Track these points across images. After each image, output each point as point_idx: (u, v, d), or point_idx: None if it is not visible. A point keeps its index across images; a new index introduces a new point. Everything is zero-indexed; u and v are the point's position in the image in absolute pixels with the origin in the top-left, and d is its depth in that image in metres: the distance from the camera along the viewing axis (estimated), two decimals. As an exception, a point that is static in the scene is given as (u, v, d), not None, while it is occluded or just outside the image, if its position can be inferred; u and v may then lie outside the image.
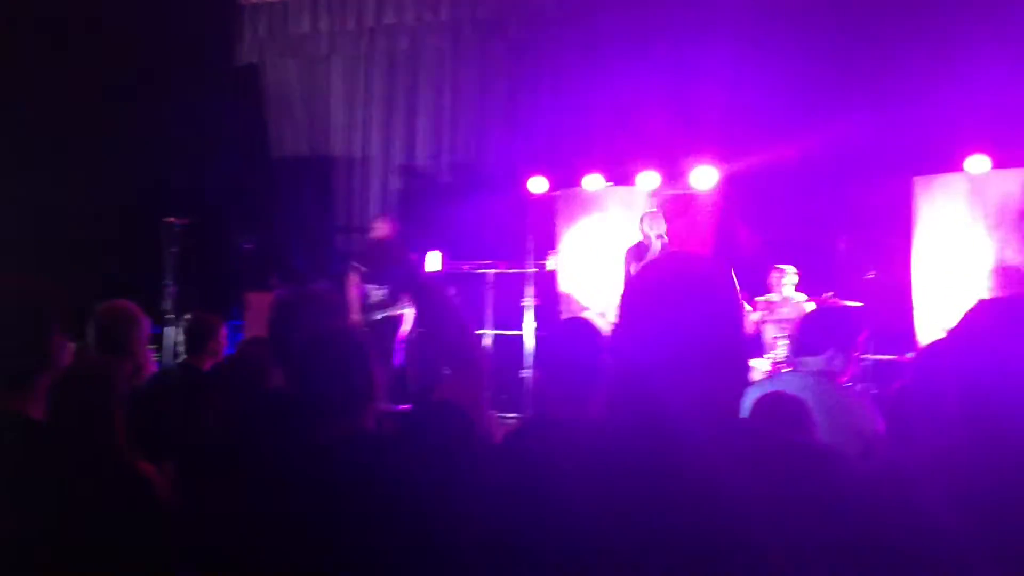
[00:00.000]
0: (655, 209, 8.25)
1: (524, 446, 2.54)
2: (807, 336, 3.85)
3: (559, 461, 1.61)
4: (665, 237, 7.90)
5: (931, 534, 1.70)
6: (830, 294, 7.78)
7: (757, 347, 8.20)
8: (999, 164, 7.73)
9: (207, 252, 9.00)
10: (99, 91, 9.54)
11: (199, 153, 9.91)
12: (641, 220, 8.01)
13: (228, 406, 2.88)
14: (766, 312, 8.11)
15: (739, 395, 1.65)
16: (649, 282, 1.66)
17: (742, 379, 1.67)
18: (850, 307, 7.12)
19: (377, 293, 7.80)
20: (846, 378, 3.80)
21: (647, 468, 1.50)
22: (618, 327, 1.68)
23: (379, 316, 7.68)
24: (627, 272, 7.79)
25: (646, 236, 7.88)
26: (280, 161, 11.02)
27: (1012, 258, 7.48)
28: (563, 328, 3.62)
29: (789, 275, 8.10)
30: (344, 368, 2.26)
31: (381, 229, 8.02)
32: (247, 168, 10.69)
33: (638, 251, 7.82)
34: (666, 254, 1.58)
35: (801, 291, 8.15)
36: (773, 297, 8.17)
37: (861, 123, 8.17)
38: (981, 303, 1.91)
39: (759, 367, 7.55)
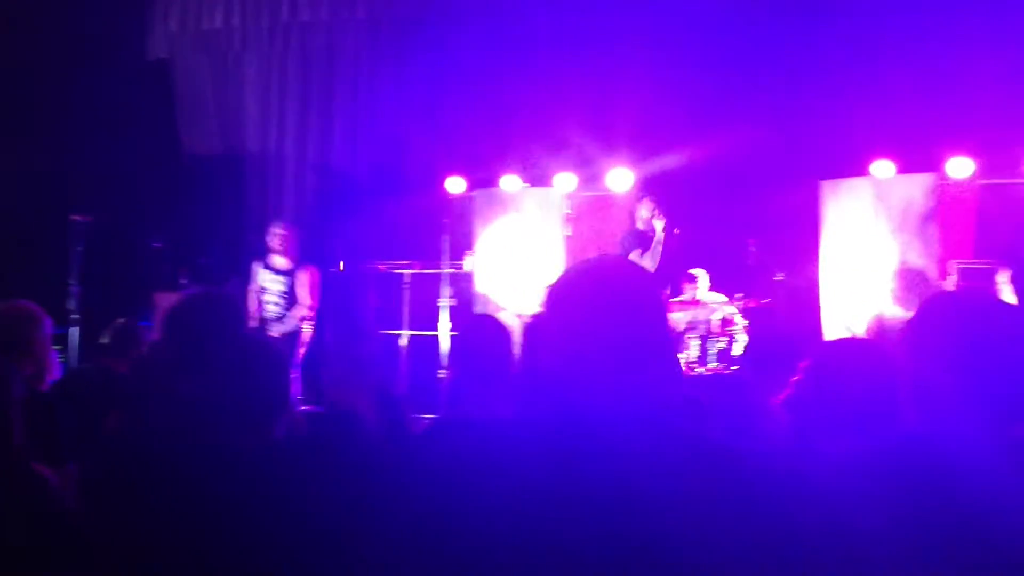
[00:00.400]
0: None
1: (431, 447, 2.52)
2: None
3: (467, 461, 1.59)
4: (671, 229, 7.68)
5: (844, 533, 1.73)
6: (740, 295, 7.93)
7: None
8: (903, 169, 7.98)
9: (114, 250, 8.75)
10: (2, 82, 9.20)
11: (107, 148, 9.63)
12: (638, 206, 7.84)
13: (137, 410, 2.80)
14: (680, 313, 8.28)
15: (668, 395, 1.65)
16: (573, 283, 1.65)
17: (671, 380, 1.66)
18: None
19: (274, 307, 7.65)
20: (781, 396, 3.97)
21: (563, 467, 1.49)
22: (540, 326, 1.67)
23: (276, 332, 7.47)
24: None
25: (644, 222, 7.73)
26: (191, 158, 10.78)
27: (915, 260, 7.72)
28: (470, 326, 3.62)
29: (702, 279, 8.29)
30: (258, 376, 2.22)
31: (278, 238, 7.82)
32: (157, 164, 10.43)
33: (640, 239, 7.67)
34: (593, 257, 1.58)
35: (714, 292, 8.32)
36: (687, 298, 8.33)
37: (771, 127, 8.34)
38: (933, 297, 1.98)
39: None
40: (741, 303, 7.89)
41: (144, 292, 8.51)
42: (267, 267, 7.76)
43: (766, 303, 8.02)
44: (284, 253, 7.73)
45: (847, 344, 3.25)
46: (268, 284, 7.71)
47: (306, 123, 10.62)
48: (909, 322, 1.92)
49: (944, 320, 1.88)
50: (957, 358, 1.83)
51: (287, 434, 2.34)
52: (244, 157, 10.77)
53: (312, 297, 7.68)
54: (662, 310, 1.65)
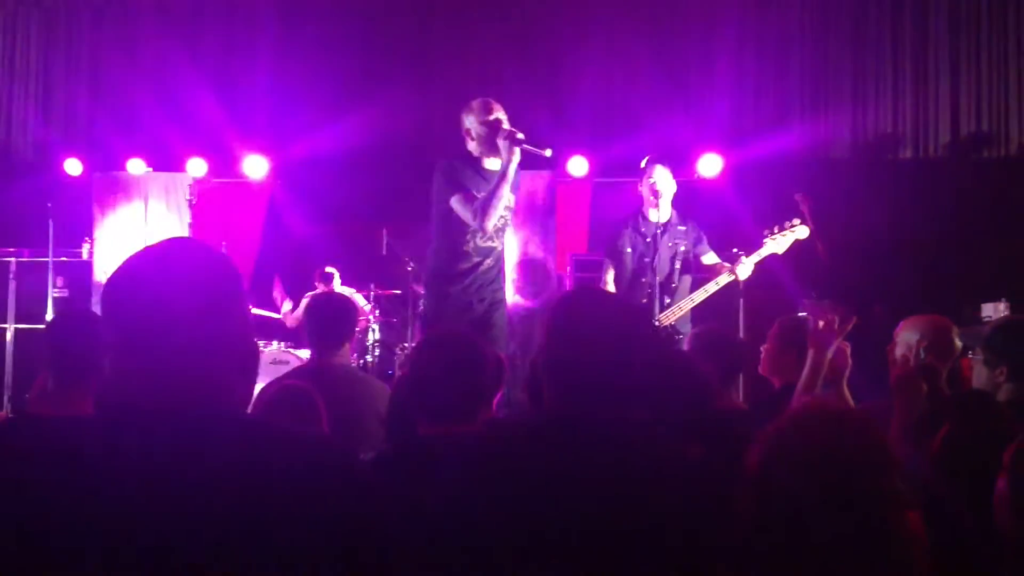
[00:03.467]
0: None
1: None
2: (329, 330, 4.05)
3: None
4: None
5: (423, 514, 1.80)
6: (372, 286, 8.00)
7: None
8: (523, 166, 8.36)
9: None
10: None
11: None
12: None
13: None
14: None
15: (241, 387, 1.54)
16: (139, 268, 1.48)
17: (245, 372, 1.55)
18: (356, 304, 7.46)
19: None
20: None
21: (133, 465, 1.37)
22: (105, 317, 1.49)
23: None
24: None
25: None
26: None
27: (535, 252, 8.14)
28: (59, 317, 3.46)
29: (333, 273, 8.29)
30: None
31: None
32: None
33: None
34: (160, 246, 1.45)
35: (347, 284, 8.32)
36: (319, 292, 8.28)
37: (402, 118, 8.49)
38: (567, 293, 2.24)
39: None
40: (372, 294, 7.95)
41: None
42: None
43: (398, 293, 8.15)
44: None
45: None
46: None
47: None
48: (548, 314, 2.07)
49: (574, 313, 2.04)
50: (585, 347, 1.96)
51: None
52: None
53: None
54: (238, 294, 1.52)
